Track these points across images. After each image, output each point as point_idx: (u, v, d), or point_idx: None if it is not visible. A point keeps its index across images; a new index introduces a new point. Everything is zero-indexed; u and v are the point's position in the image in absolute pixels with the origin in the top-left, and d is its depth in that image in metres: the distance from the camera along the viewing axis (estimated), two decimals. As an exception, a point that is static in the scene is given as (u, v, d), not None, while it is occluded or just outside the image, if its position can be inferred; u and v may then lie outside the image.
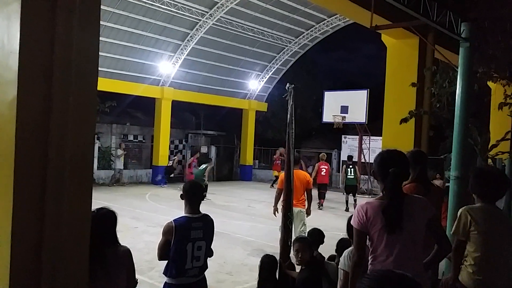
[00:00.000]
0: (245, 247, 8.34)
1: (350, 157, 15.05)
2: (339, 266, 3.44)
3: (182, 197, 3.59)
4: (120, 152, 18.51)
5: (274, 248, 7.12)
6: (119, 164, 18.45)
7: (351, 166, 14.28)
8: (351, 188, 14.14)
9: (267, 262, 4.26)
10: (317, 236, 4.57)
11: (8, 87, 1.77)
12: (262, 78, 23.08)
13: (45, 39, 1.76)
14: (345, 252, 3.42)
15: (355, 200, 13.83)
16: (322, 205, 14.04)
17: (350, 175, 14.05)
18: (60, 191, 1.69)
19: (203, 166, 14.93)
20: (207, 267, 3.66)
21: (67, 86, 1.75)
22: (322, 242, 4.57)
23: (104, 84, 16.00)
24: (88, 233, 1.81)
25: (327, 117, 19.76)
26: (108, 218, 2.82)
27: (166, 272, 3.47)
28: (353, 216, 2.71)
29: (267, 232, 9.43)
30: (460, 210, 3.27)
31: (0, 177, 1.74)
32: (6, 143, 1.73)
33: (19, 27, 1.73)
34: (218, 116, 27.01)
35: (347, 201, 14.06)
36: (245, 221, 11.19)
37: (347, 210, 13.65)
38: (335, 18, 19.38)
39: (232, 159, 24.96)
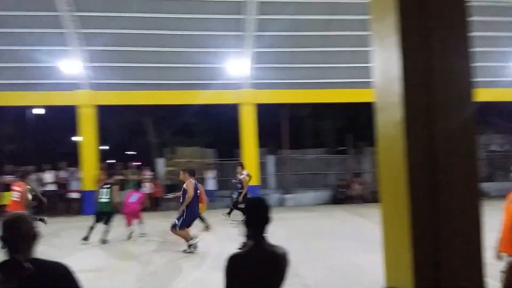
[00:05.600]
0: None
1: None
2: None
3: None
4: None
5: None
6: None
7: None
8: None
9: None
10: None
11: (393, 110, 2.01)
12: None
13: (424, 66, 1.92)
14: None
15: None
16: None
17: None
18: (452, 202, 1.78)
19: None
20: None
21: (447, 107, 1.85)
22: None
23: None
24: (481, 239, 1.81)
25: None
26: None
27: None
28: None
29: None
30: None
31: (395, 190, 1.98)
32: (397, 161, 1.96)
33: (398, 57, 1.96)
34: None
35: None
36: None
37: None
38: None
39: None
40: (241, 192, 11.98)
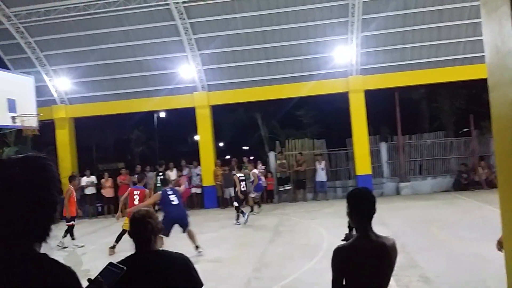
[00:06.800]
0: None
1: None
2: None
3: None
4: None
5: None
6: None
7: None
8: None
9: None
10: None
11: (507, 87, 1.85)
12: None
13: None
14: None
15: None
16: None
17: None
18: None
19: None
20: None
21: None
22: None
23: None
24: None
25: None
26: None
27: None
28: None
29: None
30: None
31: (506, 174, 1.83)
32: (509, 142, 1.81)
33: (511, 28, 1.78)
34: None
35: None
36: None
37: None
38: None
39: None
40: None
